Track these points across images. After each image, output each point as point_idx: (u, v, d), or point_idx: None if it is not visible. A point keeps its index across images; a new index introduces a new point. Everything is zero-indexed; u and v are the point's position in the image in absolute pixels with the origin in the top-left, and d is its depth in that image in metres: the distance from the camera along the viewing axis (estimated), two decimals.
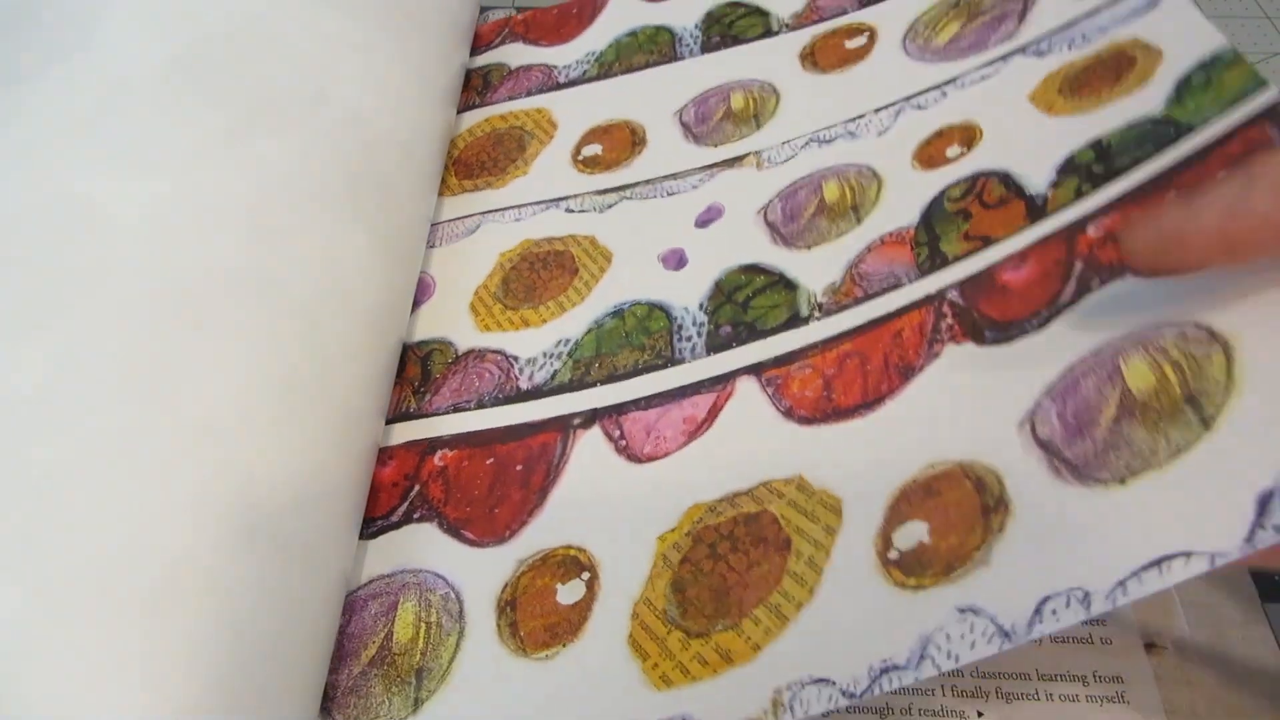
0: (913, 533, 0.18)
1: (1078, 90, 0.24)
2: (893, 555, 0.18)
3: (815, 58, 0.30)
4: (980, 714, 0.22)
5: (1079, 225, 0.21)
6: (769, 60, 0.31)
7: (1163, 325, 0.18)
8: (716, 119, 0.30)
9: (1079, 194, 0.21)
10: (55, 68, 0.23)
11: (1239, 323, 0.17)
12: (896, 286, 0.23)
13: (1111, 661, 0.23)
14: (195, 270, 0.20)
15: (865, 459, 0.20)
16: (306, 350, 0.21)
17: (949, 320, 0.21)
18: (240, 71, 0.24)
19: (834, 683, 0.17)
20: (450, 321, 0.27)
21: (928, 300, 0.22)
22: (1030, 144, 0.24)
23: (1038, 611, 0.16)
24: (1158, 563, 0.15)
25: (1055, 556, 0.16)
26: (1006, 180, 0.23)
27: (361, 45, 0.27)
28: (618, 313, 0.26)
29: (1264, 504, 0.14)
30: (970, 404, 0.19)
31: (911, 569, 0.18)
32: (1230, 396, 0.16)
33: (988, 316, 0.21)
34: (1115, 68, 0.23)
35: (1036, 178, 0.23)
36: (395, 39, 0.28)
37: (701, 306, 0.25)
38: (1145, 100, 0.22)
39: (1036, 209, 0.22)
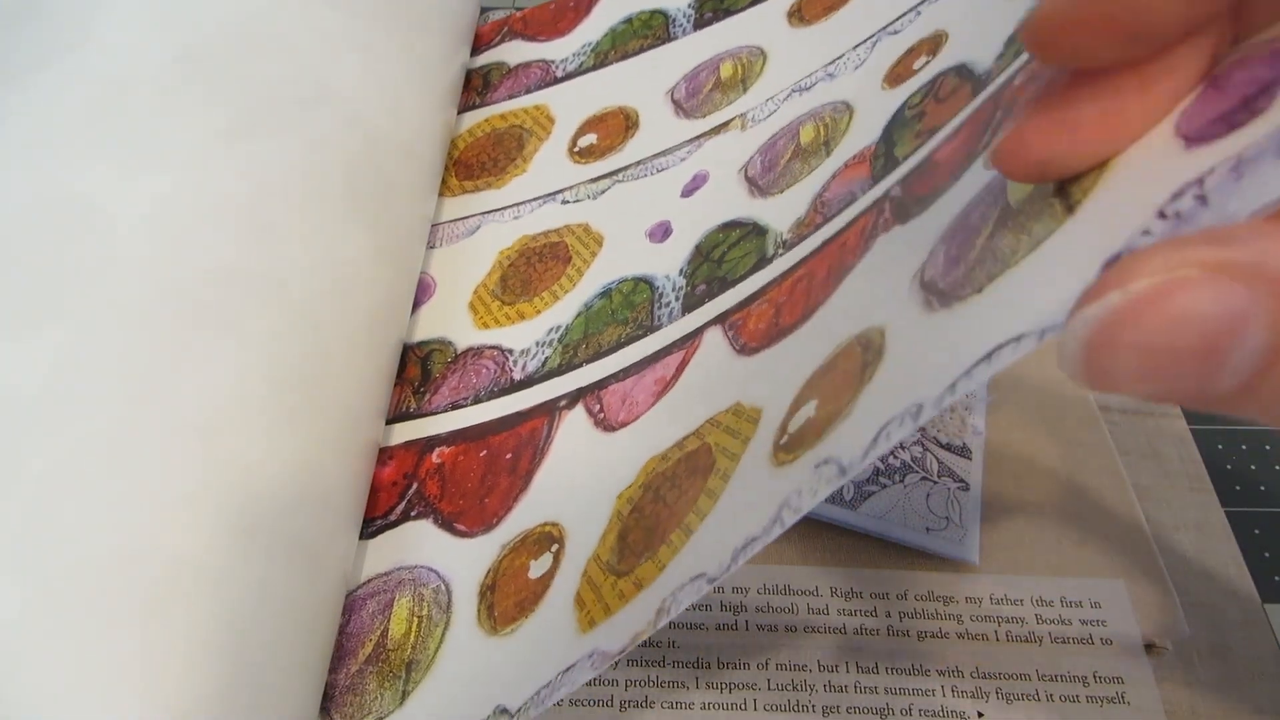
0: (804, 414, 0.17)
1: None
2: (784, 441, 0.17)
3: (802, 12, 0.30)
4: (980, 714, 0.22)
5: (1009, 80, 0.19)
6: (758, 25, 0.31)
7: None
8: (706, 91, 0.30)
9: (1017, 54, 0.19)
10: (57, 65, 0.23)
11: None
12: (851, 202, 0.22)
13: (1111, 661, 0.23)
14: (195, 269, 0.20)
15: (785, 365, 0.19)
16: (306, 349, 0.21)
17: (886, 215, 0.20)
18: (241, 70, 0.24)
19: (704, 574, 0.16)
20: (450, 321, 0.27)
21: (875, 204, 0.21)
22: (990, 29, 0.21)
23: (874, 440, 0.14)
24: (988, 355, 0.13)
25: (903, 385, 0.14)
26: (961, 70, 0.22)
27: (362, 45, 0.27)
28: (605, 293, 0.26)
29: (1111, 266, 0.12)
30: (882, 281, 0.18)
31: (792, 446, 0.16)
32: (1101, 176, 0.14)
33: (915, 194, 0.19)
34: None
35: (985, 57, 0.21)
36: (396, 39, 0.28)
37: (681, 271, 0.25)
38: None
39: (981, 86, 0.20)
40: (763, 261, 0.23)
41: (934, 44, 0.24)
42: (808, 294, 0.20)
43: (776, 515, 0.15)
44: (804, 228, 0.23)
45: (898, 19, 0.26)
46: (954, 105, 0.21)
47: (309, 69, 0.25)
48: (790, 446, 0.16)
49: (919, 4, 0.26)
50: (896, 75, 0.24)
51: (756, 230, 0.24)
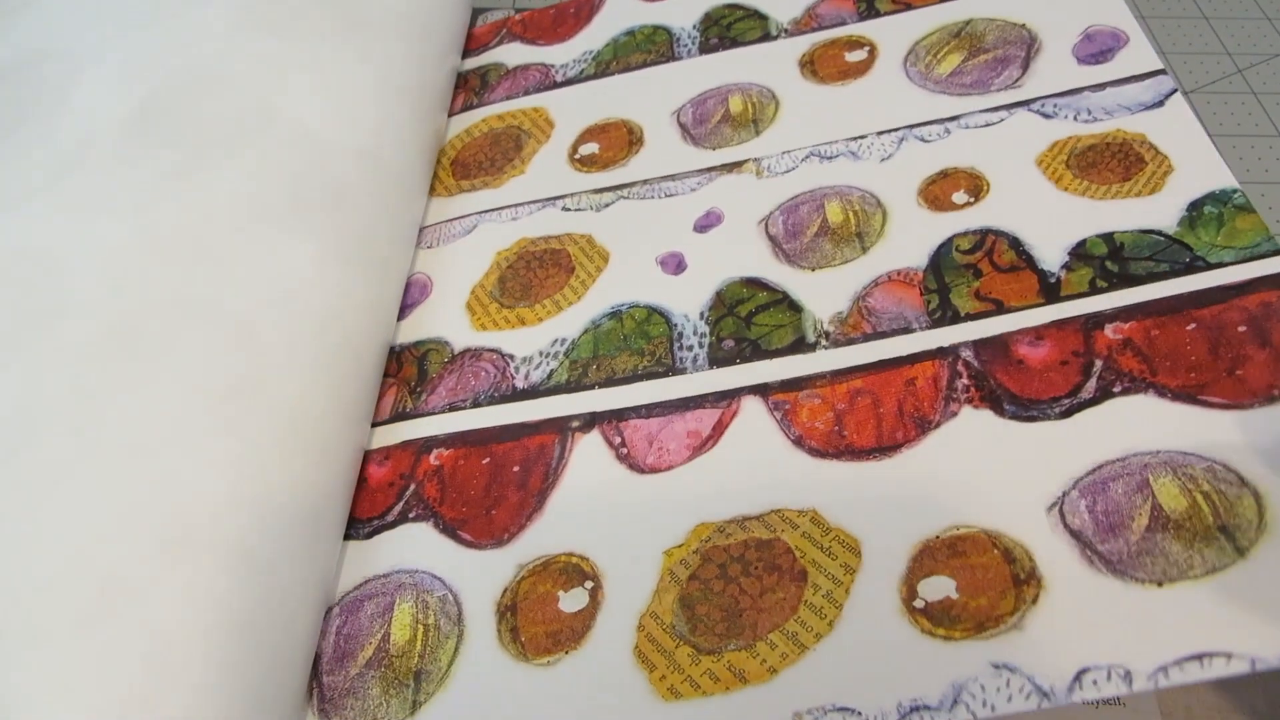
0: (939, 586, 0.19)
1: (1086, 171, 0.25)
2: (919, 604, 0.19)
3: (815, 66, 0.31)
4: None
5: (1095, 321, 0.22)
6: (768, 64, 0.31)
7: (1190, 455, 0.19)
8: (715, 121, 0.30)
9: (1094, 287, 0.23)
10: (31, 128, 0.25)
11: (1268, 475, 0.19)
12: (907, 330, 0.23)
13: None
14: (135, 302, 0.21)
15: (883, 504, 0.21)
16: (243, 361, 0.21)
17: (964, 380, 0.22)
18: (193, 113, 0.25)
19: (859, 713, 0.18)
20: (446, 321, 0.27)
21: (941, 353, 0.23)
22: (1040, 214, 0.25)
23: (1077, 679, 0.17)
24: (1199, 656, 0.17)
25: (1094, 634, 0.17)
26: (1017, 246, 0.24)
27: (312, 65, 0.27)
28: (615, 314, 0.26)
29: None
30: (993, 474, 0.20)
31: (939, 620, 0.19)
32: (1263, 536, 0.18)
33: (1005, 387, 0.22)
34: (1124, 161, 0.25)
35: (1048, 254, 0.24)
36: (354, 54, 0.28)
37: (703, 316, 0.25)
38: (1156, 212, 0.24)
39: (1050, 287, 0.23)
40: (802, 344, 0.24)
41: (974, 184, 0.26)
42: (877, 419, 0.22)
43: (955, 696, 0.18)
44: (849, 328, 0.24)
45: (924, 125, 0.28)
46: (1019, 289, 0.23)
47: (255, 98, 0.26)
48: (936, 619, 0.19)
49: (947, 120, 0.28)
50: (934, 197, 0.26)
51: (790, 304, 0.25)
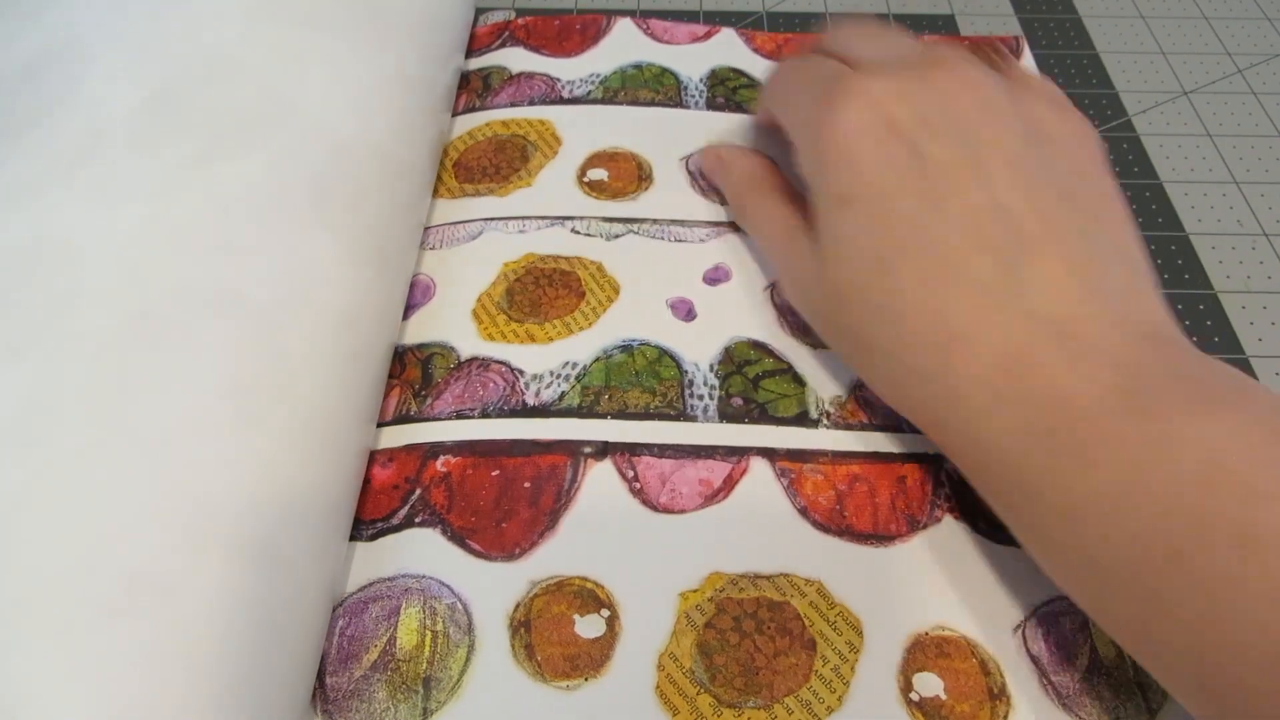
0: (930, 683, 0.21)
1: None
2: (914, 697, 0.21)
3: None
4: None
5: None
6: None
7: None
8: None
9: None
10: (44, 120, 0.24)
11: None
12: (897, 429, 0.25)
13: None
14: (154, 291, 0.21)
15: (880, 590, 0.22)
16: (264, 355, 0.21)
17: (946, 490, 0.24)
18: (210, 101, 0.24)
19: None
20: (451, 326, 0.27)
21: (927, 459, 0.24)
22: None
23: None
24: None
25: None
26: None
27: (330, 58, 0.27)
28: (627, 348, 0.26)
29: None
30: (971, 585, 0.22)
31: (932, 717, 0.20)
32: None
33: (979, 506, 0.23)
34: None
35: None
36: (368, 48, 0.28)
37: (712, 369, 0.26)
38: None
39: None
40: (805, 419, 0.25)
41: None
42: (874, 508, 0.24)
43: None
44: (846, 413, 0.25)
45: None
46: None
47: (274, 88, 0.25)
48: (929, 715, 0.20)
49: None
50: None
51: (794, 376, 0.26)
